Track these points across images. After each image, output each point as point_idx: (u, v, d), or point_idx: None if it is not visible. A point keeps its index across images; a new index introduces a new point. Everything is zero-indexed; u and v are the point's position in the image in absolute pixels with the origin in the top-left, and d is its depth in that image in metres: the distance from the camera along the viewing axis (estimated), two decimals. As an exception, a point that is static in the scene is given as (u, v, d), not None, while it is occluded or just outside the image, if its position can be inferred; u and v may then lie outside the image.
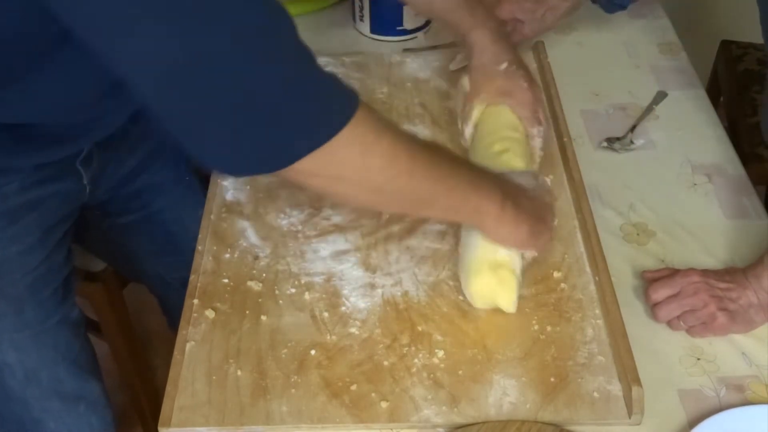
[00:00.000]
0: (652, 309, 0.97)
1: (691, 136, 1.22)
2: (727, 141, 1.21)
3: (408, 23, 1.40)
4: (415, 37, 1.42)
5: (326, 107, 0.75)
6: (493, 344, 0.94)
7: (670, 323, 0.96)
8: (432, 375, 0.91)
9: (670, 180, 1.16)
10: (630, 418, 0.86)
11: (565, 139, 1.16)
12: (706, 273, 0.97)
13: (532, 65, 1.32)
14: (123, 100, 0.98)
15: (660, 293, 0.96)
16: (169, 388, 0.90)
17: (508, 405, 0.88)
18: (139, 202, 1.24)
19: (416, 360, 0.92)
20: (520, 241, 0.95)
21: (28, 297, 1.05)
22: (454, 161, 0.89)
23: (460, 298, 0.99)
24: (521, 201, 0.93)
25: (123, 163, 1.16)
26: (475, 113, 1.13)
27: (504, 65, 1.12)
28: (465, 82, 1.17)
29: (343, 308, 0.98)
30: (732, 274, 0.96)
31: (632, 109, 1.27)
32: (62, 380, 1.12)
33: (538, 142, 1.12)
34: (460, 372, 0.91)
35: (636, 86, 1.31)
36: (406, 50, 1.39)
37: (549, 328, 0.95)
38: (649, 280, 0.99)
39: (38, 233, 1.04)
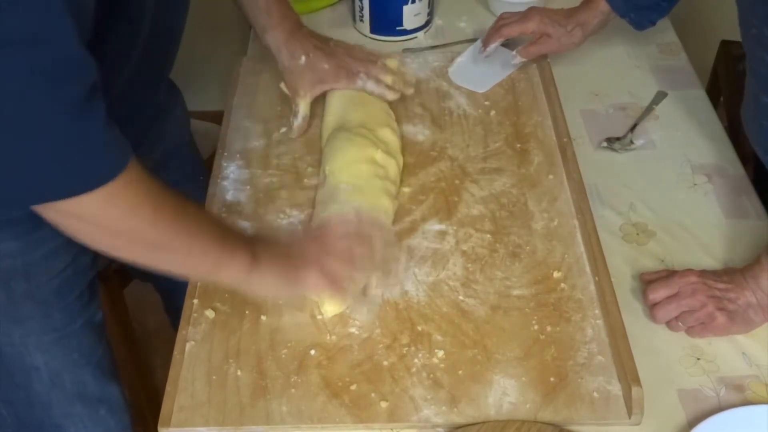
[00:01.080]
0: (651, 310, 0.97)
1: (691, 136, 1.22)
2: (727, 141, 1.21)
3: (408, 23, 1.40)
4: (415, 37, 1.42)
5: (87, 162, 0.75)
6: (493, 344, 0.94)
7: (668, 324, 0.96)
8: (432, 375, 0.91)
9: (670, 180, 1.16)
10: (630, 418, 0.87)
11: (564, 140, 1.16)
12: (704, 274, 0.97)
13: (532, 65, 1.32)
14: (140, 102, 1.00)
15: (658, 294, 0.96)
16: (169, 388, 0.90)
17: (508, 405, 0.88)
18: None
19: (416, 360, 0.92)
20: (275, 289, 0.93)
21: (54, 300, 1.05)
22: (204, 219, 0.89)
23: (460, 298, 0.99)
24: (272, 250, 0.91)
25: (143, 161, 1.16)
26: (302, 109, 1.18)
27: (302, 59, 1.15)
28: (282, 86, 1.21)
29: (343, 308, 0.98)
30: (730, 274, 0.96)
31: (632, 109, 1.27)
32: (85, 383, 1.12)
33: (370, 86, 1.17)
34: (460, 372, 0.91)
35: (636, 86, 1.31)
36: (406, 50, 1.39)
37: (549, 328, 0.95)
38: (647, 282, 0.99)
39: (63, 237, 1.04)
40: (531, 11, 1.27)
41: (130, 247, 0.84)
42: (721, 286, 0.95)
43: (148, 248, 0.84)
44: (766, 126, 1.08)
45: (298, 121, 1.19)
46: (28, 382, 1.08)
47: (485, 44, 1.31)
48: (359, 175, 1.06)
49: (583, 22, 1.25)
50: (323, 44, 1.18)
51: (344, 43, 1.22)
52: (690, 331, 0.96)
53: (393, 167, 1.10)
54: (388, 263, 0.99)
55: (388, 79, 1.19)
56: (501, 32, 1.29)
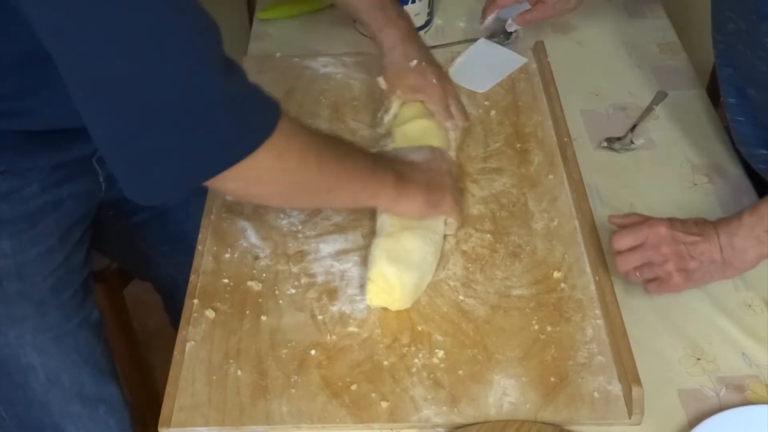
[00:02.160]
0: (615, 259, 0.95)
1: (691, 136, 1.22)
2: (727, 141, 1.21)
3: (408, 23, 1.40)
4: (415, 37, 1.42)
5: (248, 121, 0.79)
6: (493, 344, 0.94)
7: (627, 274, 0.95)
8: (432, 375, 0.91)
9: (670, 180, 1.16)
10: (630, 418, 0.87)
11: (565, 139, 1.16)
12: (674, 224, 0.94)
13: (532, 65, 1.33)
14: None
15: (623, 242, 0.94)
16: (169, 388, 0.90)
17: (508, 405, 0.88)
18: None
19: (416, 360, 0.92)
20: (419, 212, 1.00)
21: (50, 299, 1.06)
22: (354, 152, 0.97)
23: (460, 297, 0.99)
24: (414, 176, 1.00)
25: None
26: (394, 107, 1.18)
27: (414, 62, 1.15)
28: (381, 81, 1.20)
29: (344, 308, 0.98)
30: (701, 226, 0.94)
31: (632, 109, 1.27)
32: (84, 383, 1.12)
33: (452, 135, 1.16)
34: (460, 372, 0.91)
35: (636, 86, 1.31)
36: (406, 50, 1.38)
37: (549, 328, 0.95)
38: (617, 226, 0.97)
39: (57, 234, 1.04)
40: None
41: (301, 196, 0.93)
42: (689, 239, 0.93)
43: (316, 193, 0.93)
44: (740, 121, 1.09)
45: (389, 117, 1.18)
46: (25, 382, 1.08)
47: (483, 16, 1.33)
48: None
49: None
50: (435, 60, 1.19)
51: (449, 77, 1.22)
52: (647, 287, 0.95)
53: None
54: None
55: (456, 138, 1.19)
56: (496, 3, 1.31)
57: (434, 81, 1.15)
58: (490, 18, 1.32)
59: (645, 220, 0.95)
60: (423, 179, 1.01)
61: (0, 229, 0.98)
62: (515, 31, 1.38)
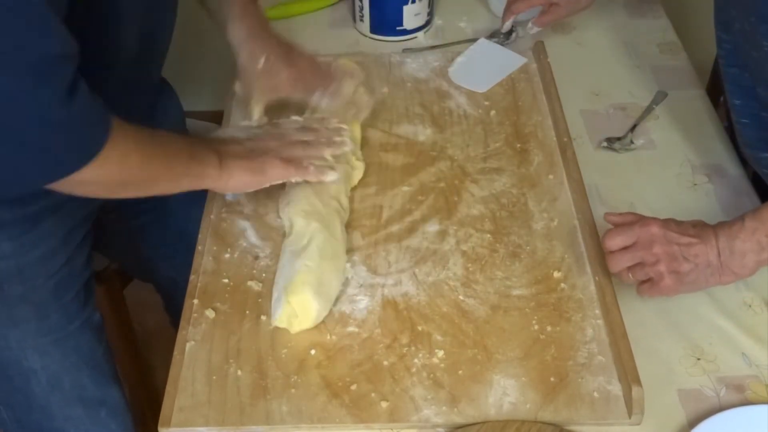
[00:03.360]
0: (606, 258, 0.94)
1: (691, 136, 1.22)
2: (727, 141, 1.21)
3: (408, 23, 1.40)
4: (415, 37, 1.42)
5: (73, 143, 0.81)
6: (493, 344, 0.94)
7: (619, 274, 0.94)
8: (432, 375, 0.91)
9: (670, 180, 1.16)
10: (630, 418, 0.87)
11: (565, 139, 1.16)
12: (668, 224, 0.92)
13: (532, 65, 1.33)
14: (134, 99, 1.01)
15: (615, 242, 0.92)
16: (169, 388, 0.90)
17: (508, 405, 0.88)
18: (151, 202, 1.24)
19: (416, 360, 0.92)
20: (245, 184, 1.01)
21: (51, 301, 1.05)
22: (175, 141, 0.98)
23: (461, 297, 0.99)
24: (234, 150, 1.01)
25: None
26: (256, 114, 1.13)
27: (261, 61, 1.10)
28: (237, 86, 1.16)
29: (344, 308, 0.98)
30: (699, 228, 0.92)
31: (632, 109, 1.27)
32: (85, 385, 1.12)
33: (325, 103, 1.14)
34: (460, 372, 0.91)
35: (636, 86, 1.31)
36: (406, 50, 1.39)
37: (549, 328, 0.95)
38: (612, 224, 0.95)
39: (59, 237, 1.04)
40: None
41: (126, 189, 0.94)
42: (684, 240, 0.91)
43: (141, 185, 0.94)
44: (745, 123, 1.09)
45: (253, 125, 1.12)
46: (26, 386, 1.08)
47: (502, 21, 1.37)
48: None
49: None
50: (286, 51, 1.12)
51: (309, 55, 1.16)
52: (639, 288, 0.94)
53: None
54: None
55: (346, 94, 1.16)
56: (511, 9, 1.34)
57: (283, 76, 1.11)
58: (508, 23, 1.36)
59: (639, 219, 0.93)
60: (241, 150, 1.01)
61: (0, 231, 0.98)
62: (515, 31, 1.38)
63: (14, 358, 1.06)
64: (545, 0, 1.32)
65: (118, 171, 0.88)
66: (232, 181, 0.99)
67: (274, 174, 1.01)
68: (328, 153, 1.06)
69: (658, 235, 0.91)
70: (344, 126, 1.11)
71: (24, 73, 0.74)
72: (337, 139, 1.08)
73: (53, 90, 0.76)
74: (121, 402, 1.17)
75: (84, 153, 0.82)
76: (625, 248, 0.92)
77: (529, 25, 1.36)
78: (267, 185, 1.02)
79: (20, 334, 1.05)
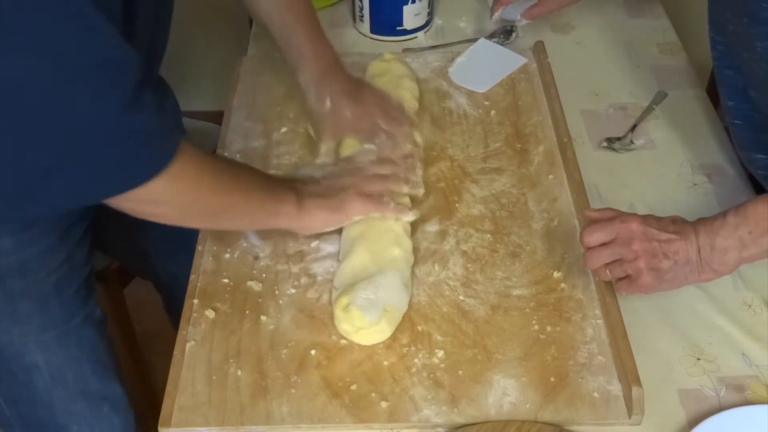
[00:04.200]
0: (585, 255, 0.93)
1: (691, 136, 1.22)
2: (726, 141, 1.21)
3: (408, 23, 1.40)
4: (415, 37, 1.42)
5: (142, 154, 0.81)
6: (493, 344, 0.94)
7: (597, 271, 0.93)
8: (432, 375, 0.91)
9: (670, 180, 1.16)
10: (630, 418, 0.87)
11: (565, 140, 1.16)
12: (648, 220, 0.91)
13: (532, 65, 1.33)
14: None
15: (593, 237, 0.91)
16: (169, 388, 0.90)
17: (508, 405, 0.88)
18: None
19: (416, 360, 0.93)
20: (323, 223, 1.01)
21: (53, 296, 1.06)
22: (253, 175, 0.99)
23: (461, 298, 0.99)
24: (312, 189, 1.01)
25: None
26: (323, 154, 1.13)
27: (327, 103, 1.12)
28: (309, 128, 1.18)
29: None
30: (679, 224, 0.91)
31: (632, 109, 1.27)
32: (87, 380, 1.12)
33: (386, 151, 1.10)
34: (460, 372, 0.91)
35: (636, 86, 1.31)
36: (406, 50, 1.39)
37: (549, 328, 0.95)
38: (589, 220, 0.94)
39: (58, 232, 1.05)
40: None
41: (198, 217, 0.96)
42: (664, 236, 0.89)
43: (213, 214, 0.95)
44: (738, 124, 1.09)
45: (320, 161, 1.13)
46: (29, 380, 1.09)
47: (491, 13, 1.36)
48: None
49: None
50: (354, 88, 1.13)
51: (379, 92, 1.16)
52: (618, 286, 0.92)
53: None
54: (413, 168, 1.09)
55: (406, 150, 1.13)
56: (500, 1, 1.34)
57: (349, 115, 1.11)
58: (497, 14, 1.35)
59: (619, 215, 0.92)
60: (319, 189, 1.01)
61: (1, 227, 0.98)
62: (515, 31, 1.38)
63: (17, 353, 1.06)
64: None
65: (190, 192, 0.89)
66: (310, 219, 0.99)
67: (354, 210, 1.01)
68: (406, 190, 1.06)
69: (638, 232, 0.89)
70: (415, 150, 1.12)
71: (87, 78, 0.74)
72: (413, 178, 1.08)
73: (117, 97, 0.76)
74: (123, 398, 1.18)
75: (150, 165, 0.82)
76: (603, 244, 0.91)
77: (518, 17, 1.35)
78: (347, 223, 1.02)
79: (22, 329, 1.05)
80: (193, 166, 0.87)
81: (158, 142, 0.83)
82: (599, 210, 0.94)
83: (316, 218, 1.00)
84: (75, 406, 1.12)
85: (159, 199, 0.86)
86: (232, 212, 0.96)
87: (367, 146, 1.09)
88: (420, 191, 1.08)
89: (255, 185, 0.97)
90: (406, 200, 1.06)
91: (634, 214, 0.91)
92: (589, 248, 0.92)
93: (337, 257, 1.03)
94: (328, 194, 1.01)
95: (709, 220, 0.90)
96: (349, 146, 1.11)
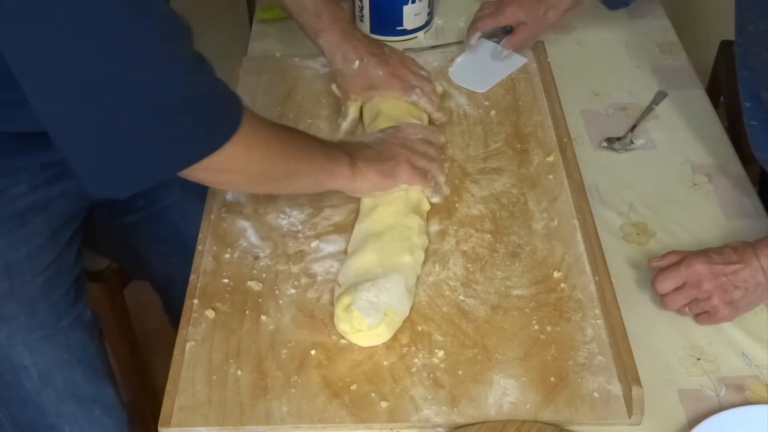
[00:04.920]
0: (660, 299, 0.97)
1: (691, 136, 1.22)
2: (727, 141, 1.21)
3: (408, 23, 1.40)
4: (415, 37, 1.42)
5: (213, 120, 0.82)
6: (493, 344, 0.94)
7: (678, 311, 0.97)
8: (432, 375, 0.91)
9: (670, 180, 1.16)
10: (630, 418, 0.87)
11: (565, 140, 1.16)
12: (710, 257, 0.94)
13: (532, 65, 1.33)
14: None
15: (665, 285, 0.95)
16: (169, 388, 0.90)
17: (508, 405, 0.88)
18: (144, 200, 1.24)
19: (416, 360, 0.92)
20: (374, 185, 1.03)
21: (40, 298, 1.06)
22: (309, 138, 1.01)
23: (461, 298, 0.99)
24: (363, 153, 1.04)
25: None
26: (351, 112, 1.19)
27: (356, 63, 1.16)
28: (334, 88, 1.20)
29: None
30: (740, 252, 0.94)
31: (632, 109, 1.27)
32: (78, 383, 1.12)
33: (425, 102, 1.18)
34: (460, 372, 0.91)
35: (636, 86, 1.31)
36: (406, 50, 1.39)
37: (549, 328, 0.95)
38: (657, 269, 0.97)
39: (47, 233, 1.04)
40: (503, 3, 1.30)
41: (266, 183, 0.98)
42: (730, 269, 0.93)
43: (280, 179, 0.97)
44: (754, 125, 1.09)
45: (347, 123, 1.19)
46: (18, 382, 1.08)
47: (468, 39, 1.34)
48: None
49: (554, 4, 1.28)
50: (378, 50, 1.18)
51: (399, 52, 1.22)
52: (698, 319, 0.96)
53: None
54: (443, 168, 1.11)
55: (438, 99, 1.20)
56: (477, 26, 1.32)
57: (380, 73, 1.16)
58: (473, 40, 1.32)
59: (683, 259, 0.95)
60: (372, 153, 1.04)
61: None
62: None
63: (4, 355, 1.06)
64: (513, 20, 1.30)
65: (261, 158, 0.91)
66: (363, 182, 1.02)
67: (404, 178, 1.04)
68: (442, 179, 1.09)
69: (705, 272, 0.93)
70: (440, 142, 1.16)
71: (141, 57, 0.74)
72: (442, 177, 1.10)
73: (180, 61, 0.77)
74: (115, 400, 1.17)
75: (223, 130, 0.83)
76: (676, 289, 0.95)
77: (499, 48, 1.32)
78: (395, 189, 1.05)
79: (9, 330, 1.05)
80: (261, 131, 0.90)
81: (226, 106, 0.84)
82: (663, 257, 0.97)
83: (368, 180, 1.02)
84: (66, 408, 1.11)
85: (233, 167, 0.88)
86: (297, 176, 0.97)
87: (413, 120, 1.14)
88: (446, 191, 1.10)
89: (315, 149, 0.99)
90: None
91: (697, 254, 0.95)
92: (663, 294, 0.96)
93: (337, 257, 1.03)
94: (380, 159, 1.04)
95: (766, 241, 0.93)
96: (387, 117, 1.14)
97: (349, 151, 1.03)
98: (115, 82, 0.73)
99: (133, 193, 0.84)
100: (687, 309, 0.96)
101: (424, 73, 1.22)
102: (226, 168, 0.88)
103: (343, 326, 0.94)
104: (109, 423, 1.16)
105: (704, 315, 0.95)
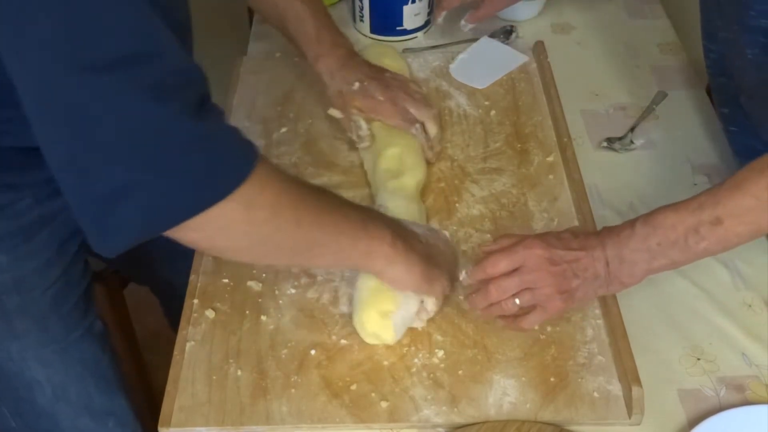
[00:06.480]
0: (482, 291, 0.88)
1: (691, 136, 1.22)
2: (726, 141, 1.21)
3: (408, 23, 1.40)
4: (415, 37, 1.42)
5: (216, 166, 0.71)
6: (493, 344, 0.94)
7: (501, 303, 0.88)
8: (432, 375, 0.91)
9: (670, 180, 1.16)
10: (630, 418, 0.87)
11: (565, 140, 1.16)
12: (550, 241, 0.87)
13: (532, 65, 1.33)
14: None
15: (500, 266, 0.86)
16: (169, 388, 0.90)
17: (508, 405, 0.88)
18: None
19: (416, 360, 0.93)
20: (414, 284, 0.90)
21: (50, 312, 1.05)
22: (342, 205, 0.86)
23: (460, 297, 0.99)
24: (413, 243, 0.90)
25: None
26: (363, 123, 1.13)
27: (356, 85, 1.13)
28: (333, 111, 1.17)
29: (344, 308, 0.98)
30: (582, 240, 0.87)
31: (632, 109, 1.27)
32: (91, 396, 1.11)
33: (423, 138, 1.13)
34: (460, 372, 0.91)
35: (636, 86, 1.31)
36: (406, 50, 1.39)
37: (549, 328, 0.95)
38: (488, 254, 0.89)
39: (54, 247, 1.03)
40: None
41: (277, 254, 0.83)
42: (571, 256, 0.86)
43: (295, 250, 0.82)
44: (734, 131, 1.09)
45: (364, 132, 1.13)
46: (32, 397, 1.08)
47: (434, 18, 1.34)
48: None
49: None
50: (378, 74, 1.15)
51: (400, 77, 1.18)
52: (522, 321, 0.88)
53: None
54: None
55: (433, 133, 1.14)
56: (442, 5, 1.32)
57: (380, 98, 1.12)
58: (440, 19, 1.33)
59: (519, 241, 0.88)
60: (423, 250, 0.91)
61: None
62: (515, 31, 1.38)
63: (16, 369, 1.05)
64: None
65: (265, 220, 0.76)
66: (405, 274, 0.88)
67: (438, 291, 0.93)
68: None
69: (544, 257, 0.85)
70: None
71: (147, 88, 0.67)
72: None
73: (179, 105, 0.68)
74: (129, 411, 1.17)
75: (222, 182, 0.71)
76: (509, 273, 0.87)
77: (462, 23, 1.33)
78: (423, 297, 0.93)
79: (21, 345, 1.04)
80: (271, 190, 0.76)
81: (229, 155, 0.73)
82: (496, 241, 0.91)
83: (410, 276, 0.89)
84: (80, 421, 1.11)
85: (233, 229, 0.75)
86: (320, 249, 0.83)
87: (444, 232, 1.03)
88: None
89: (347, 217, 0.84)
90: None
91: (535, 237, 0.88)
92: (491, 279, 0.87)
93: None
94: (429, 261, 0.91)
95: (616, 231, 0.86)
96: (389, 157, 1.10)
97: (395, 230, 0.88)
98: (114, 111, 0.67)
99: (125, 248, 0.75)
100: (516, 300, 0.87)
101: (425, 101, 1.16)
102: (225, 229, 0.74)
103: (369, 328, 0.92)
104: None
105: (533, 313, 0.87)
